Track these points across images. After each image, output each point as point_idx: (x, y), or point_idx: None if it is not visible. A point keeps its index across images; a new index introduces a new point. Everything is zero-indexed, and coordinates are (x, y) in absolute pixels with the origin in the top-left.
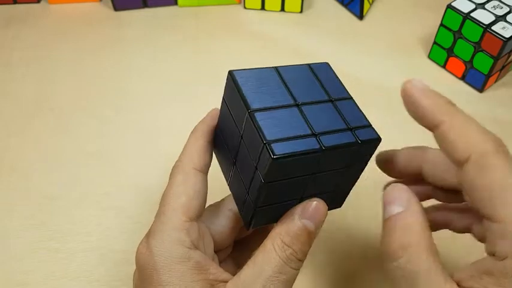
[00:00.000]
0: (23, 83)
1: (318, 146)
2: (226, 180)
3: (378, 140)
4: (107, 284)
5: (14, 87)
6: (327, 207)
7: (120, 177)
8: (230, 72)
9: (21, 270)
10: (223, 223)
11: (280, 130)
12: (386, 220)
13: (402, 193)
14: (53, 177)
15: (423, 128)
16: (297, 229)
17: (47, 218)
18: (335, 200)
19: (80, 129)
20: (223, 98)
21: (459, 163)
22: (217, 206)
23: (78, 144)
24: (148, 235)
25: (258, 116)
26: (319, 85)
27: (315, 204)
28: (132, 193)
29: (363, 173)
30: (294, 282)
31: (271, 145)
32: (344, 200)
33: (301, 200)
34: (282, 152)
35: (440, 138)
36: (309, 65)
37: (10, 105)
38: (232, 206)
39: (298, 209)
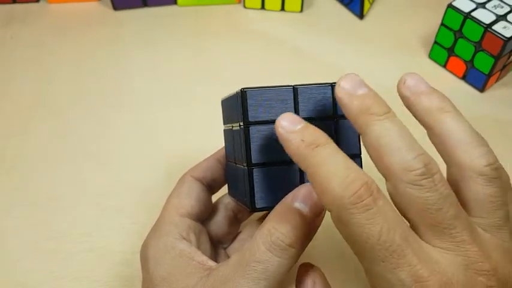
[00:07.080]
0: (22, 82)
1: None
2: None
3: None
4: (106, 284)
5: (13, 87)
6: None
7: (119, 177)
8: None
9: (20, 270)
10: (219, 217)
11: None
12: None
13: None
14: (53, 177)
15: (424, 129)
16: (285, 209)
17: (46, 218)
18: None
19: (80, 129)
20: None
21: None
22: (214, 205)
23: (77, 144)
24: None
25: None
26: (332, 132)
27: (307, 186)
28: (132, 193)
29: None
30: (280, 277)
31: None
32: None
33: (301, 173)
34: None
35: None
36: (332, 85)
37: (9, 105)
38: (226, 200)
39: (291, 193)
